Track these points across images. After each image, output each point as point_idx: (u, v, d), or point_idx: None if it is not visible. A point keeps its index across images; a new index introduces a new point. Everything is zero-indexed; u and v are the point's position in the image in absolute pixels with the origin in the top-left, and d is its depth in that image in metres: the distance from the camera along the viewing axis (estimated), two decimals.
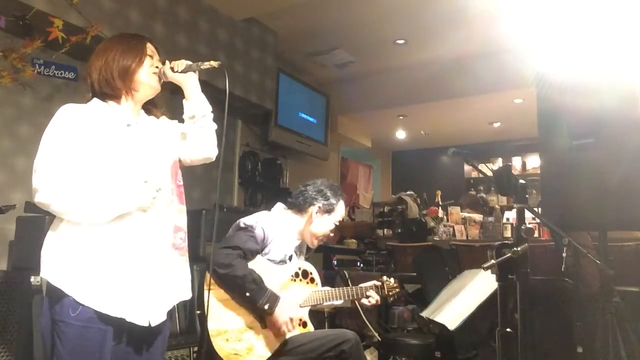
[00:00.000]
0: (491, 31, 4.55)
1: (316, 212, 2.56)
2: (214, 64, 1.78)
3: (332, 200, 2.59)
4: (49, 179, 1.55)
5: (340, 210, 2.63)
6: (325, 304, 2.57)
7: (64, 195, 1.55)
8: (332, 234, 2.64)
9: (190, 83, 1.81)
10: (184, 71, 1.79)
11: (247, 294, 2.25)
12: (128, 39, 1.80)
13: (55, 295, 1.57)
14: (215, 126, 1.87)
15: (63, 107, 1.65)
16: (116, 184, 1.60)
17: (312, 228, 2.56)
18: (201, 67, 1.79)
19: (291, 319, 2.33)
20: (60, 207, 1.56)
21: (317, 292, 2.52)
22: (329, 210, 2.58)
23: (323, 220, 2.58)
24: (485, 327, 2.90)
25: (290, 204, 2.62)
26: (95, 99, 1.73)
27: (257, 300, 2.26)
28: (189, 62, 1.80)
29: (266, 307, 2.26)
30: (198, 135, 1.83)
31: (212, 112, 1.86)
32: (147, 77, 1.75)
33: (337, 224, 2.64)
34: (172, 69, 1.77)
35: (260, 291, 2.26)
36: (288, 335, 2.36)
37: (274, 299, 2.28)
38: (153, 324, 1.64)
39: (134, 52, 1.75)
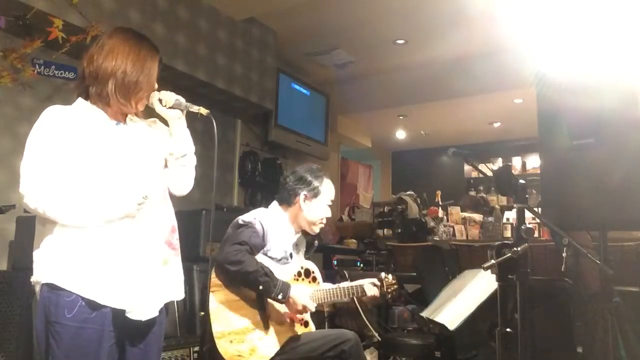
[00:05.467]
0: (491, 31, 4.54)
1: (304, 200, 2.55)
2: (203, 111, 1.76)
3: (315, 183, 2.57)
4: (37, 185, 1.56)
5: (327, 190, 2.60)
6: (327, 302, 2.58)
7: (54, 201, 1.56)
8: (329, 215, 2.63)
9: (175, 121, 1.79)
10: (172, 107, 1.76)
11: (260, 287, 2.27)
12: (144, 53, 1.72)
13: (50, 295, 1.57)
14: (194, 162, 1.84)
15: (47, 109, 1.63)
16: (104, 189, 1.60)
17: (306, 216, 2.56)
18: (189, 109, 1.78)
19: (304, 307, 2.35)
20: (53, 213, 1.57)
21: (319, 292, 2.53)
22: (315, 194, 2.56)
23: (313, 205, 2.56)
24: (485, 327, 2.90)
25: (279, 199, 2.62)
26: (80, 99, 1.71)
27: (270, 292, 2.28)
28: (178, 98, 1.77)
29: (280, 296, 2.28)
30: (176, 173, 1.81)
31: (194, 152, 1.83)
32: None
33: (331, 203, 2.62)
34: (160, 100, 1.75)
35: (272, 283, 2.28)
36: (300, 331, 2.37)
37: (286, 288, 2.31)
38: (145, 319, 1.65)
39: (148, 78, 1.71)
